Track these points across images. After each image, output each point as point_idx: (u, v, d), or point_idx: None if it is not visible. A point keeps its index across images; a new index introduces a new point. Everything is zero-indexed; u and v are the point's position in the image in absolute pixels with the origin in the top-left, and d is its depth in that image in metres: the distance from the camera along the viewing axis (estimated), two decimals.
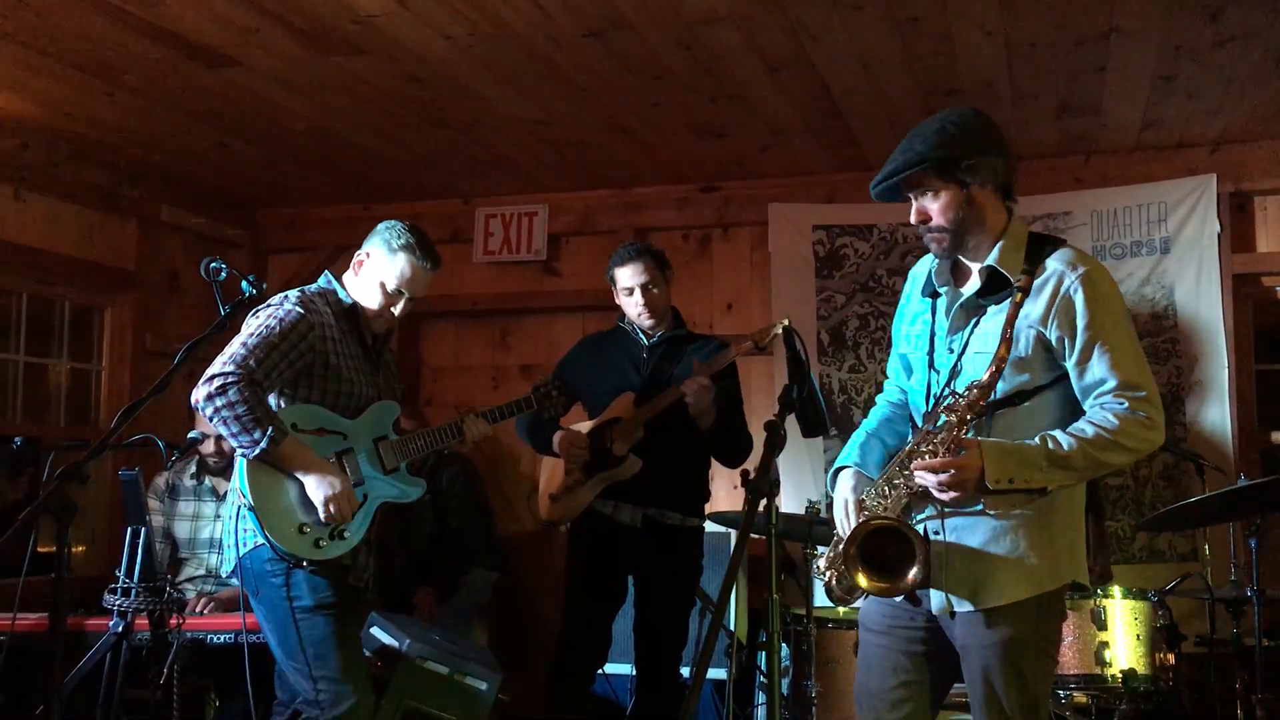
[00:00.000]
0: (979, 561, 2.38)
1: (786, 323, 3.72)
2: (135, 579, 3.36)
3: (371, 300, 3.18)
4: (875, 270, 5.23)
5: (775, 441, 2.11)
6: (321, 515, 2.99)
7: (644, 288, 3.89)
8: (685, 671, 4.04)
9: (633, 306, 3.93)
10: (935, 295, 2.56)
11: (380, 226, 3.23)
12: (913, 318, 2.64)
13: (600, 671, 4.05)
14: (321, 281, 3.23)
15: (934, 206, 2.44)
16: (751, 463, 4.88)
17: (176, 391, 4.52)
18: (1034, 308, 2.39)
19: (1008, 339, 2.31)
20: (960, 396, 2.33)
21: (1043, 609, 2.39)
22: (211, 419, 2.90)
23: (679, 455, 3.82)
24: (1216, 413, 4.72)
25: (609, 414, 3.91)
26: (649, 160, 5.13)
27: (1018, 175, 2.51)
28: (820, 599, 4.28)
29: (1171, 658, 3.40)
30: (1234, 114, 4.47)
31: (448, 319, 5.95)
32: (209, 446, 4.22)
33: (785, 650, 4.51)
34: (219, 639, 3.68)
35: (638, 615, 3.92)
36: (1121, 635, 3.35)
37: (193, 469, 4.34)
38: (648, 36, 3.77)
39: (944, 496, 2.32)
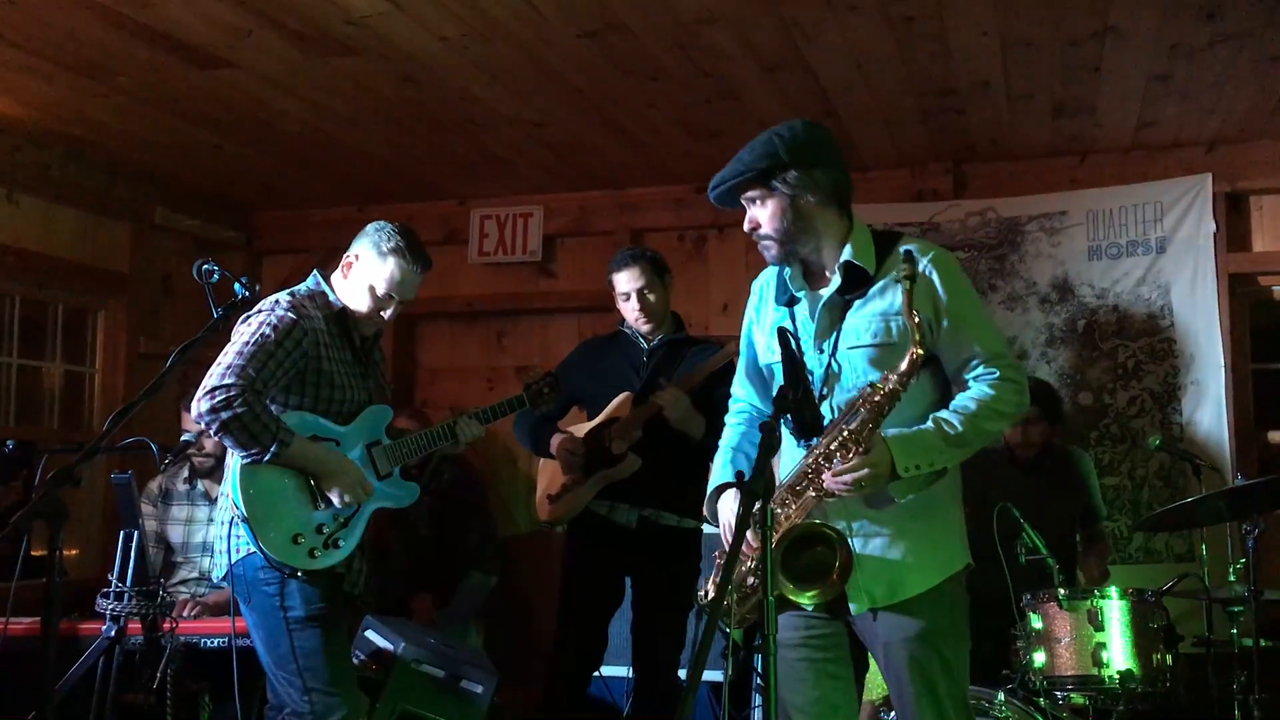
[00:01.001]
0: (891, 555, 2.44)
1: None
2: (128, 583, 3.34)
3: (360, 304, 3.14)
4: None
5: (770, 444, 2.10)
6: (338, 504, 3.01)
7: (640, 292, 3.90)
8: (683, 674, 4.03)
9: (630, 311, 3.94)
10: (792, 302, 2.61)
11: (369, 228, 3.18)
12: (770, 329, 2.65)
13: (597, 674, 4.05)
14: (310, 283, 3.18)
15: (762, 214, 2.54)
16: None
17: (170, 395, 4.51)
18: (895, 297, 2.45)
19: (917, 324, 2.36)
20: (877, 389, 2.37)
21: (955, 594, 2.47)
22: (217, 433, 2.87)
23: (677, 457, 3.80)
24: (1213, 413, 4.71)
25: (607, 414, 3.91)
26: (644, 161, 5.12)
27: (854, 188, 2.60)
28: None
29: (1169, 658, 3.39)
30: (1229, 113, 4.46)
31: (443, 320, 5.94)
32: (195, 446, 4.20)
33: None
34: (212, 643, 3.66)
35: (635, 618, 3.92)
36: (1118, 636, 3.34)
37: (185, 473, 4.32)
38: (642, 37, 3.76)
39: (852, 494, 2.36)
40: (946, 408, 2.45)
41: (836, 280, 2.54)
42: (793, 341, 2.23)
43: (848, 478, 2.33)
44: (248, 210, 5.99)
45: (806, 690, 2.52)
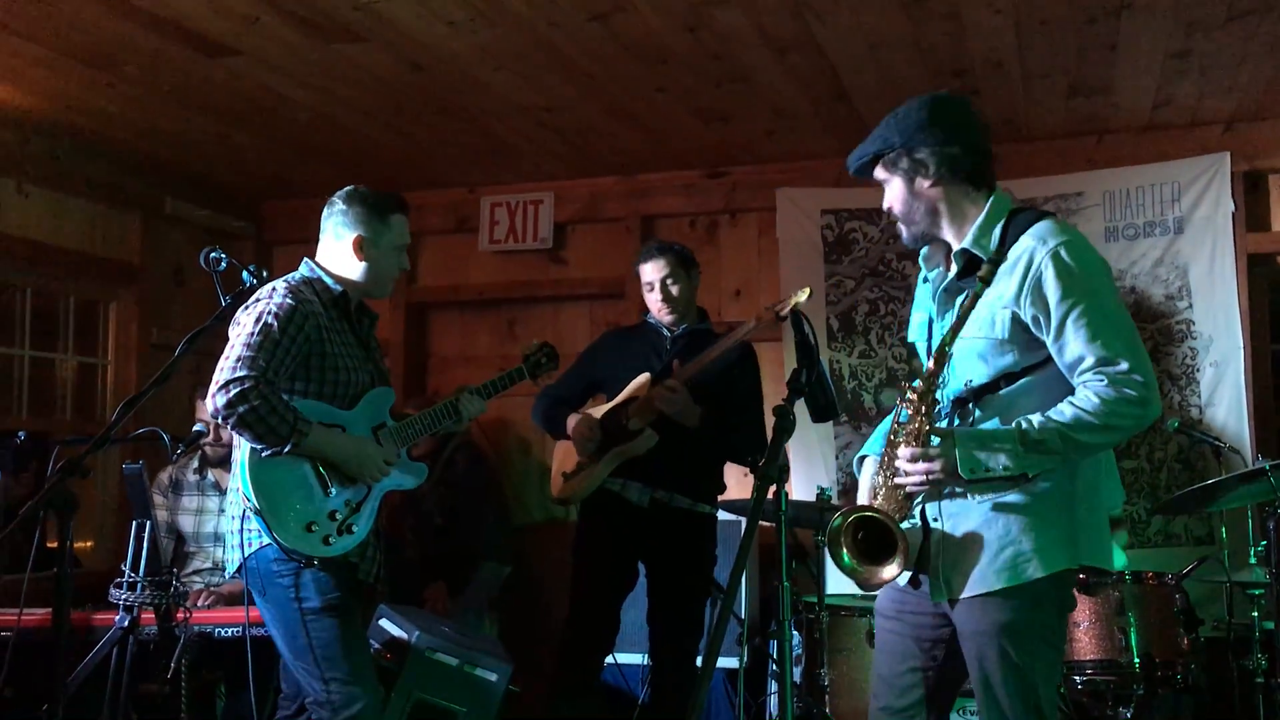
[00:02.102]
0: (970, 548, 2.35)
1: (809, 291, 3.72)
2: (141, 573, 3.33)
3: (390, 273, 3.18)
4: (884, 254, 5.18)
5: (784, 427, 2.08)
6: (367, 481, 3.03)
7: (663, 282, 3.95)
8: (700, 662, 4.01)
9: (653, 301, 4.00)
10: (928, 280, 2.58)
11: (341, 208, 3.14)
12: (916, 303, 2.65)
13: (612, 661, 4.03)
14: (304, 270, 3.15)
15: (889, 196, 2.50)
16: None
17: (182, 384, 4.51)
18: (1007, 287, 2.35)
19: (956, 327, 2.29)
20: (912, 388, 2.33)
21: (1040, 595, 2.34)
22: (235, 427, 2.85)
23: (693, 442, 3.79)
24: (1232, 395, 4.66)
25: (625, 395, 3.93)
26: (655, 147, 5.09)
27: (994, 160, 2.50)
28: (832, 587, 4.26)
29: (1189, 642, 3.36)
30: (1248, 91, 4.40)
31: (454, 309, 5.92)
32: (209, 435, 4.19)
33: (798, 638, 4.48)
34: (226, 632, 3.65)
35: (651, 606, 3.90)
36: (1139, 620, 3.30)
37: (196, 463, 4.32)
38: (651, 20, 3.73)
39: (918, 488, 2.32)
40: None
41: (955, 265, 2.48)
42: (805, 323, 2.19)
43: (907, 468, 2.29)
44: (257, 200, 5.97)
45: (892, 663, 2.50)
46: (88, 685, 3.40)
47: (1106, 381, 2.26)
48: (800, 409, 2.32)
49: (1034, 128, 4.86)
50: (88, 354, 5.33)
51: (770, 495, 2.02)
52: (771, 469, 1.98)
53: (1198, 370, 4.74)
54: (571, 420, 3.97)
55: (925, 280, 2.61)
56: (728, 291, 5.44)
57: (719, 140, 5.00)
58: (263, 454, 2.89)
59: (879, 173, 2.51)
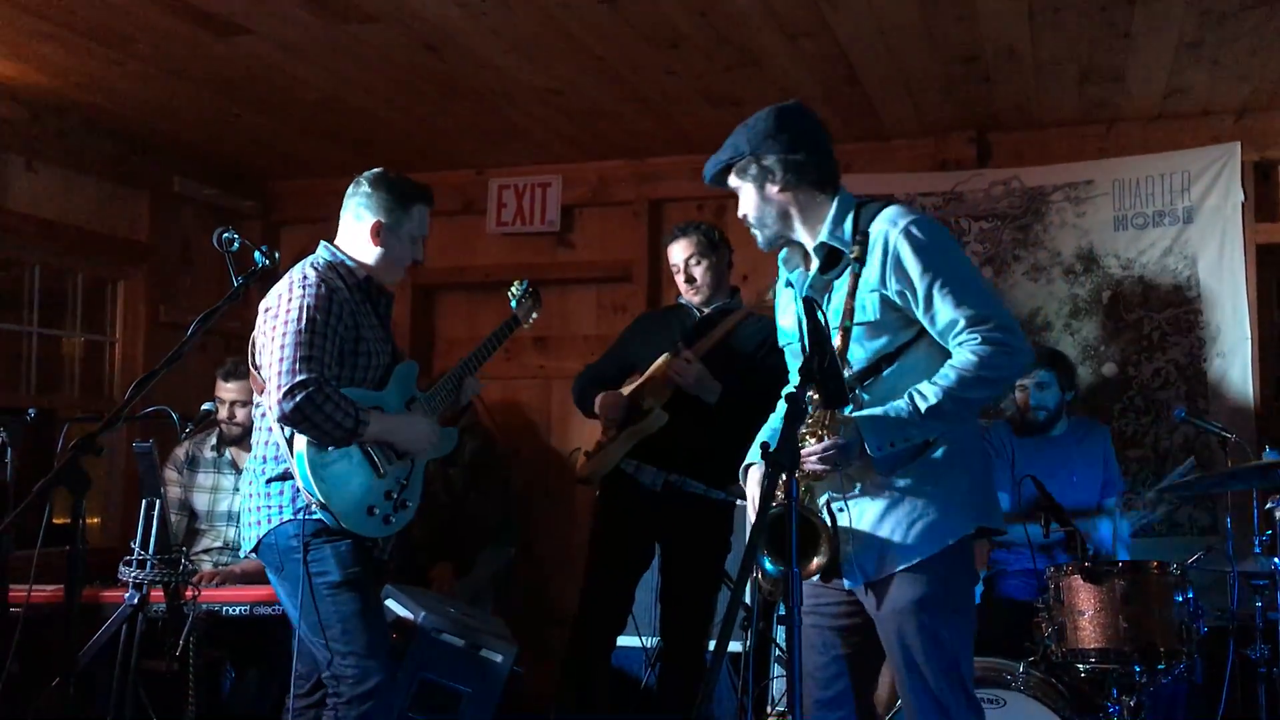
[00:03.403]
0: (880, 530, 2.44)
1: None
2: (150, 551, 3.35)
3: (403, 262, 3.19)
4: None
5: (795, 414, 2.09)
6: (418, 456, 3.12)
7: (686, 264, 3.96)
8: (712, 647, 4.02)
9: (681, 281, 4.02)
10: (791, 284, 2.68)
11: (364, 191, 3.13)
12: (780, 309, 2.77)
13: (621, 644, 4.04)
14: (325, 254, 3.14)
15: (743, 203, 2.62)
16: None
17: (193, 363, 4.52)
18: (870, 271, 2.46)
19: (849, 310, 2.41)
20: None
21: (948, 565, 2.44)
22: (305, 431, 2.87)
23: (709, 423, 3.78)
24: (1239, 385, 4.67)
25: (649, 373, 3.95)
26: (664, 130, 5.08)
27: (835, 163, 2.61)
28: None
29: (1192, 632, 3.36)
30: (1260, 81, 4.39)
31: (461, 291, 5.92)
32: (223, 412, 4.21)
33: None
34: (234, 610, 3.67)
35: (662, 586, 3.91)
36: (1142, 609, 3.31)
37: (213, 440, 4.32)
38: (662, 3, 3.72)
39: (828, 470, 2.40)
40: None
41: (816, 261, 2.59)
42: (818, 310, 2.20)
43: (815, 460, 2.37)
44: (265, 180, 5.97)
45: (814, 656, 2.57)
46: (95, 662, 3.42)
47: (980, 339, 2.40)
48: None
49: (1044, 115, 4.85)
50: (96, 331, 5.34)
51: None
52: (784, 455, 1.98)
53: (1205, 360, 4.74)
54: (599, 397, 4.00)
55: (788, 284, 2.71)
56: (736, 275, 5.37)
57: (729, 123, 4.89)
58: (320, 446, 2.91)
59: (732, 180, 2.63)
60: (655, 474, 3.86)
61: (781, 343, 2.76)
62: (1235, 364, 4.68)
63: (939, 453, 2.46)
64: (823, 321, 2.19)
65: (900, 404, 2.40)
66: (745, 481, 2.64)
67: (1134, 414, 4.81)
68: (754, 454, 2.63)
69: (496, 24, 3.90)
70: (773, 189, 2.56)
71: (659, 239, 5.50)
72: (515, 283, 3.80)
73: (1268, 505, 3.51)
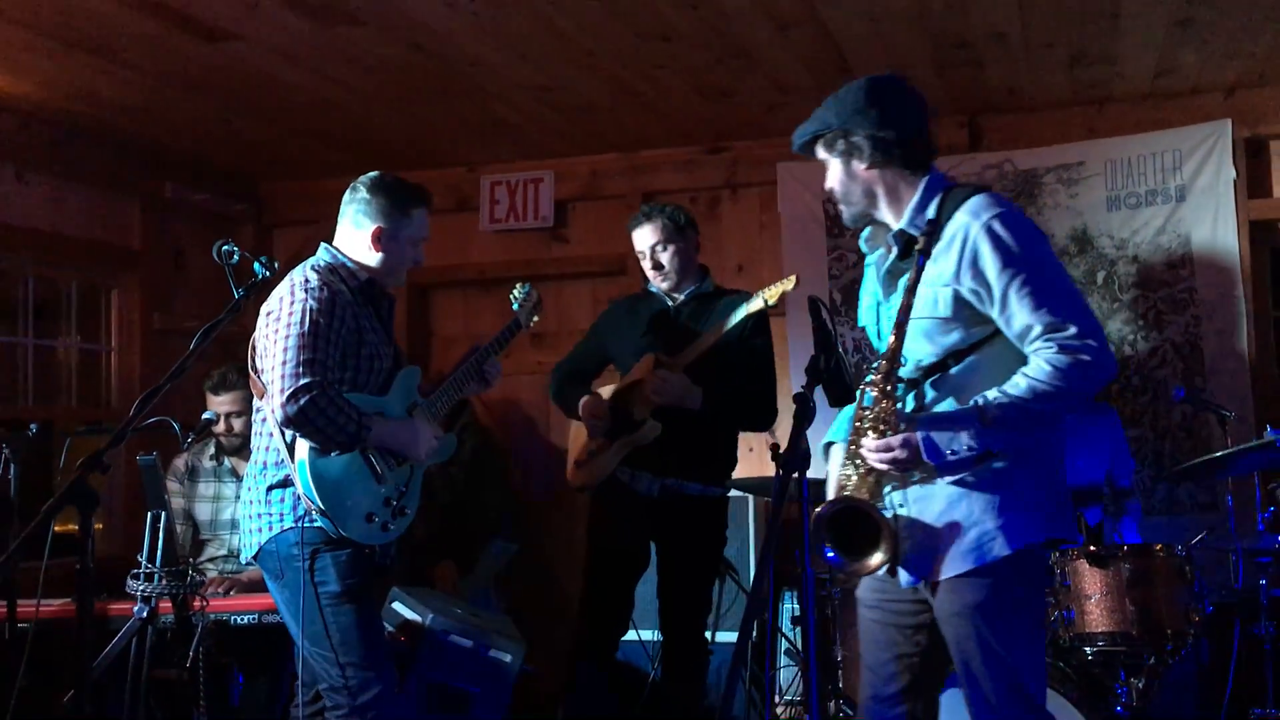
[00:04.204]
0: (937, 531, 2.37)
1: (794, 279, 3.70)
2: (157, 563, 3.34)
3: (405, 265, 3.18)
4: None
5: (804, 414, 2.09)
6: (418, 462, 3.10)
7: (653, 249, 3.85)
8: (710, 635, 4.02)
9: (648, 268, 3.92)
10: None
11: (363, 196, 3.12)
12: (863, 288, 2.68)
13: (628, 638, 4.04)
14: (326, 256, 3.13)
15: (829, 176, 2.54)
16: (781, 435, 4.85)
17: (191, 374, 4.52)
18: (945, 265, 2.37)
19: (907, 305, 2.31)
20: (874, 370, 2.34)
21: (1010, 573, 2.35)
22: (308, 436, 2.86)
23: (699, 424, 3.75)
24: (1236, 361, 4.68)
25: (631, 377, 3.88)
26: (656, 123, 5.07)
27: (929, 143, 2.52)
28: None
29: (1198, 612, 3.39)
30: (1250, 58, 4.39)
31: (456, 289, 5.92)
32: (220, 425, 4.19)
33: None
34: (242, 619, 3.67)
35: (660, 582, 3.90)
36: (1149, 591, 3.33)
37: (212, 450, 4.31)
38: None
39: (893, 472, 2.35)
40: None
41: (895, 248, 2.51)
42: (823, 310, 2.20)
43: (873, 458, 2.32)
44: (257, 183, 5.95)
45: (877, 652, 2.53)
46: (105, 674, 3.42)
47: (1057, 348, 2.27)
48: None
49: (1036, 97, 4.85)
50: (91, 340, 5.32)
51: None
52: (794, 456, 1.99)
53: (1201, 338, 4.75)
54: (583, 401, 3.93)
55: (870, 264, 2.64)
56: (730, 268, 5.42)
57: (720, 116, 4.98)
58: (323, 454, 2.90)
59: (819, 152, 2.55)
60: (650, 481, 3.80)
61: (860, 323, 2.68)
62: (1231, 341, 4.70)
63: (1006, 462, 2.35)
64: (827, 321, 2.18)
65: (964, 410, 2.31)
66: (826, 458, 2.57)
67: (1132, 394, 4.83)
68: (834, 432, 2.56)
69: (486, 21, 3.88)
70: (859, 166, 2.47)
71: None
72: (517, 285, 3.75)
73: (1270, 486, 3.52)
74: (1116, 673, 3.41)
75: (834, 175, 2.52)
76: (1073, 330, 2.28)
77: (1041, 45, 4.24)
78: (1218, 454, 3.51)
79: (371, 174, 3.19)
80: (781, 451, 2.05)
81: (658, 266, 3.87)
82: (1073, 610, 3.39)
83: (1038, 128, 5.00)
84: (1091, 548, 3.37)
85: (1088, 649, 3.41)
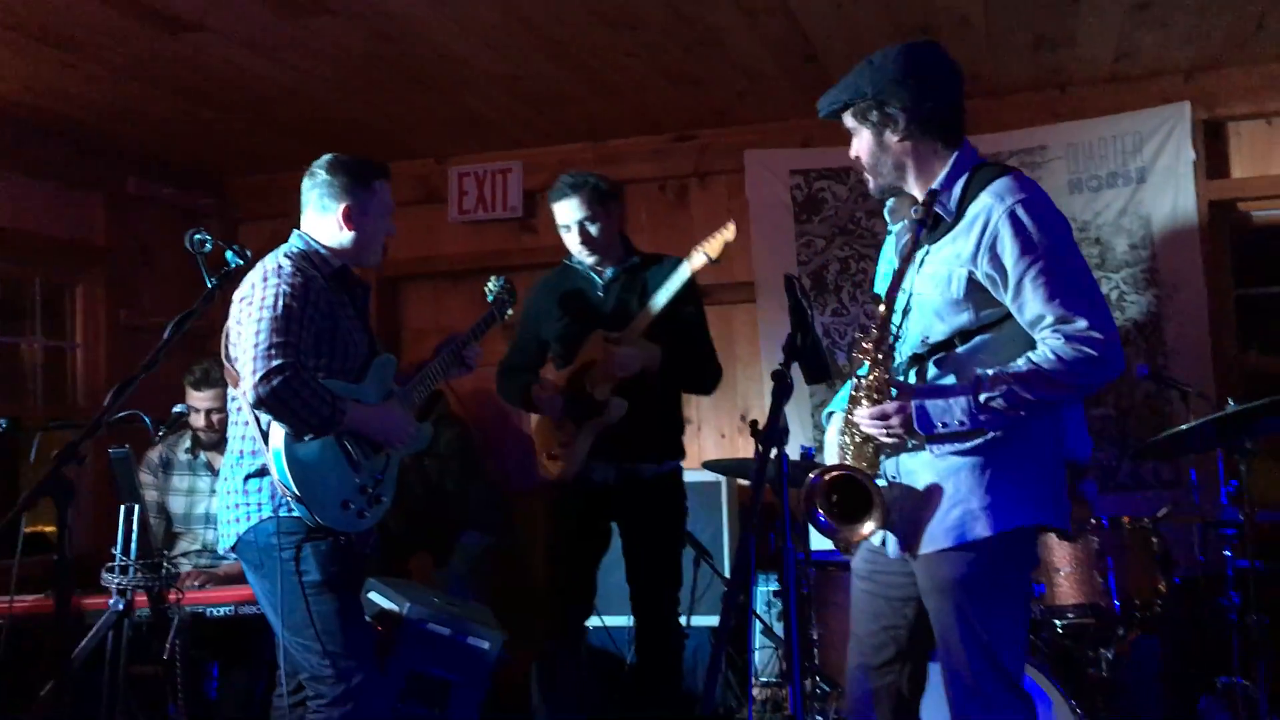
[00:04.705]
0: (924, 504, 2.37)
1: (732, 227, 3.64)
2: (132, 556, 3.33)
3: (379, 239, 3.16)
4: (854, 213, 5.21)
5: (782, 390, 2.11)
6: (393, 450, 3.09)
7: (581, 225, 3.73)
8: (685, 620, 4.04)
9: (572, 243, 3.79)
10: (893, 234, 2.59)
11: (323, 178, 3.09)
12: (882, 256, 2.65)
13: (600, 623, 4.05)
14: (299, 243, 3.10)
15: (856, 145, 2.49)
16: (759, 412, 4.85)
17: (160, 368, 4.48)
18: (964, 246, 2.34)
19: (901, 273, 2.31)
20: (866, 337, 2.34)
21: (993, 553, 2.34)
22: (279, 416, 2.83)
23: (649, 403, 3.70)
24: (1197, 339, 4.76)
25: (582, 358, 3.82)
26: (624, 112, 5.08)
27: (965, 115, 2.48)
28: (818, 543, 4.32)
29: (1166, 584, 3.46)
30: (1207, 40, 4.46)
31: (426, 281, 5.91)
32: (199, 420, 4.17)
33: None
34: (219, 612, 3.67)
35: (628, 564, 3.87)
36: (1118, 563, 3.40)
37: (187, 443, 4.28)
38: None
39: (887, 440, 2.35)
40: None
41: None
42: (798, 288, 2.22)
43: (867, 425, 2.33)
44: (222, 177, 5.91)
45: (867, 623, 2.55)
46: (82, 669, 3.40)
47: (1064, 339, 2.25)
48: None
49: (999, 82, 4.90)
50: (56, 338, 5.28)
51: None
52: (774, 432, 2.01)
53: (1162, 317, 4.83)
54: (535, 388, 3.85)
55: (891, 233, 2.62)
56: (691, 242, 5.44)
57: (689, 104, 5.00)
58: (296, 438, 2.88)
59: (848, 120, 2.48)
60: (606, 468, 3.76)
61: (875, 290, 2.66)
62: (1191, 319, 4.78)
63: (1001, 442, 2.33)
64: (802, 299, 2.21)
65: (962, 385, 2.30)
66: (827, 425, 2.56)
67: None
68: (836, 402, 2.56)
69: (453, 11, 3.88)
70: (892, 138, 2.41)
71: (622, 221, 5.50)
72: (491, 279, 3.71)
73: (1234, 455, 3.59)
74: (1087, 644, 3.47)
75: (863, 145, 2.46)
76: (1083, 324, 2.26)
77: (1004, 29, 4.29)
78: (1182, 427, 3.56)
79: (325, 156, 3.16)
80: (761, 428, 2.07)
81: (589, 241, 3.75)
82: (1044, 584, 3.44)
83: (1001, 112, 5.05)
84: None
85: (1058, 621, 3.47)
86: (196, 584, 3.82)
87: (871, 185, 2.52)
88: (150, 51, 4.12)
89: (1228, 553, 3.60)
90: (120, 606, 3.29)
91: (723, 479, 4.77)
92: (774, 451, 2.04)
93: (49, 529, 4.89)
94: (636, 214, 5.55)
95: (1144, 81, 4.87)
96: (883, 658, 2.54)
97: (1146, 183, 4.87)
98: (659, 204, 5.48)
